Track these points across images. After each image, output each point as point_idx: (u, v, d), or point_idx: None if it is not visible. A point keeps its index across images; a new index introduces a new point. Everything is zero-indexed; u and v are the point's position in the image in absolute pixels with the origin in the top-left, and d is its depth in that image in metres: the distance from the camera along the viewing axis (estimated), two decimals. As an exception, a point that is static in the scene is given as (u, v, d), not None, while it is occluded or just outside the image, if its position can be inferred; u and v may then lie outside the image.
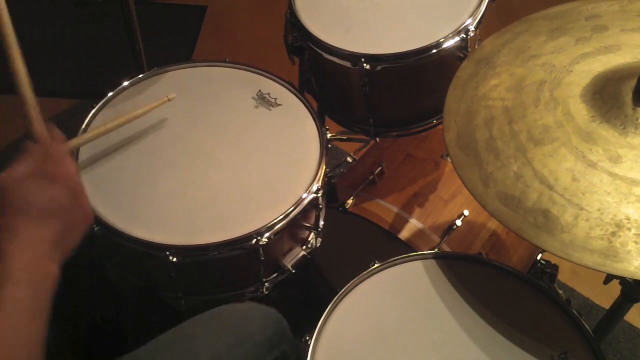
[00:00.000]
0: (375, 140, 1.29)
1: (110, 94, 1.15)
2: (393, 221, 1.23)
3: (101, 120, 1.11)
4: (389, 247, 1.23)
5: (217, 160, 1.05)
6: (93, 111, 1.11)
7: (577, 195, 0.76)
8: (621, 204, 0.74)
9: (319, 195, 1.00)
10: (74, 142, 0.93)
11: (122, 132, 1.07)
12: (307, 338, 0.88)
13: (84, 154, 1.05)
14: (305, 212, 1.01)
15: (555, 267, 1.26)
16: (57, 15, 2.48)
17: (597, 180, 0.76)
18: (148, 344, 0.88)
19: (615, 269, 0.72)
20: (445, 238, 1.21)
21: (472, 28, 1.12)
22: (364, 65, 1.11)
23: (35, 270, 0.66)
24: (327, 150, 1.07)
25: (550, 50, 0.92)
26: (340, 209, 1.25)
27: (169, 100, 1.07)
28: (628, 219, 0.73)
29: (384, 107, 1.23)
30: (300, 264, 1.07)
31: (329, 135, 1.10)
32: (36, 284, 0.65)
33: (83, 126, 1.09)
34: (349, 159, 1.50)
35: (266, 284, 1.05)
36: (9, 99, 2.23)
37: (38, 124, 0.81)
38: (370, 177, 1.31)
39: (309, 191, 1.00)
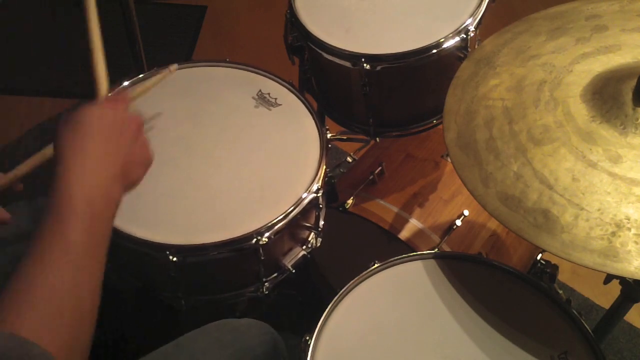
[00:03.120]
0: (375, 140, 1.29)
1: (110, 94, 1.14)
2: (393, 221, 1.23)
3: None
4: (389, 247, 1.23)
5: (217, 160, 1.05)
6: (93, 111, 1.11)
7: (577, 195, 0.76)
8: (621, 204, 0.74)
9: (319, 195, 1.00)
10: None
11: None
12: (307, 338, 0.88)
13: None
14: (305, 212, 1.01)
15: (555, 267, 1.26)
16: (57, 15, 2.48)
17: (597, 180, 0.76)
18: (147, 356, 0.88)
19: (615, 269, 0.72)
20: (445, 238, 1.21)
21: (472, 28, 1.12)
22: (364, 65, 1.11)
23: (98, 201, 0.65)
24: (327, 150, 1.07)
25: (550, 50, 0.92)
26: (340, 209, 1.25)
27: (171, 72, 1.04)
28: (628, 219, 0.73)
29: (384, 107, 1.23)
30: (300, 264, 1.07)
31: (329, 135, 1.11)
32: (100, 216, 0.65)
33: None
34: (349, 159, 1.50)
35: (266, 284, 1.05)
36: (9, 99, 2.24)
37: (104, 86, 0.83)
38: (370, 177, 1.31)
39: (309, 191, 1.00)
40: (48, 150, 0.86)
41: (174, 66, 1.00)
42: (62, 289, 0.60)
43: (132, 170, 0.73)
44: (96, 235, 0.65)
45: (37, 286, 0.59)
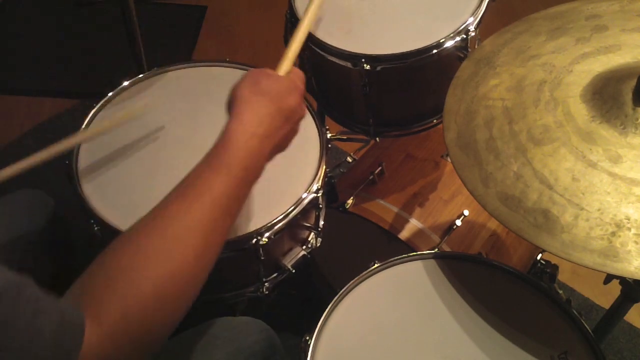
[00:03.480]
0: (375, 140, 1.29)
1: (110, 94, 1.15)
2: (393, 221, 1.23)
3: (102, 120, 1.11)
4: (389, 247, 1.23)
5: (217, 160, 1.04)
6: (93, 111, 1.11)
7: (577, 195, 0.76)
8: (621, 204, 0.74)
9: (319, 195, 1.00)
10: None
11: (121, 132, 1.07)
12: (307, 338, 0.88)
13: (84, 154, 1.05)
14: (305, 212, 1.01)
15: (555, 267, 1.26)
16: (57, 15, 2.48)
17: (597, 180, 0.76)
18: None
19: (615, 269, 0.72)
20: (445, 238, 1.21)
21: (472, 28, 1.12)
22: (364, 65, 1.11)
23: (250, 166, 0.70)
24: (327, 150, 1.07)
25: (550, 50, 0.92)
26: (340, 209, 1.25)
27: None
28: (628, 219, 0.73)
29: (384, 107, 1.23)
30: (300, 264, 1.07)
31: (329, 135, 1.10)
32: (246, 181, 0.70)
33: (83, 126, 1.09)
34: (349, 159, 1.50)
35: (266, 284, 1.05)
36: (9, 99, 2.24)
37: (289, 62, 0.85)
38: (370, 177, 1.31)
39: (309, 191, 1.00)
40: (41, 154, 0.87)
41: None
42: (194, 225, 0.65)
43: (281, 147, 0.78)
44: (236, 197, 0.69)
45: (171, 215, 0.65)
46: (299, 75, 0.82)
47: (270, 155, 0.76)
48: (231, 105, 0.74)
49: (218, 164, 0.68)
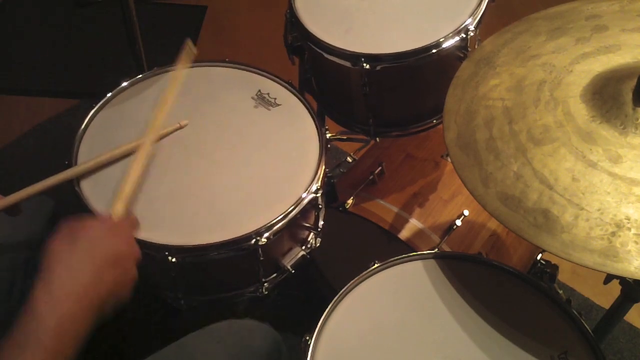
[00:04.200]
0: (375, 140, 1.29)
1: (110, 94, 1.15)
2: (393, 221, 1.23)
3: (102, 120, 1.11)
4: (389, 247, 1.23)
5: (216, 160, 1.04)
6: (93, 111, 1.11)
7: (577, 195, 0.76)
8: (621, 204, 0.74)
9: (318, 195, 1.00)
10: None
11: (121, 132, 1.07)
12: (307, 338, 0.88)
13: (84, 154, 1.05)
14: (304, 212, 1.01)
15: (555, 267, 1.26)
16: (57, 15, 2.48)
17: (597, 180, 0.76)
18: (150, 357, 0.88)
19: (615, 269, 0.72)
20: (445, 238, 1.21)
21: (472, 28, 1.12)
22: (364, 65, 1.11)
23: (64, 335, 0.61)
24: (327, 150, 1.07)
25: (550, 50, 0.92)
26: (340, 209, 1.25)
27: (180, 127, 1.07)
28: (628, 219, 0.73)
29: (384, 107, 1.22)
30: (300, 264, 1.07)
31: (328, 135, 1.11)
32: (63, 347, 0.61)
33: (83, 126, 1.09)
34: (349, 159, 1.50)
35: (266, 284, 1.05)
36: (9, 99, 2.24)
37: (122, 204, 0.81)
38: (370, 177, 1.31)
39: (309, 191, 1.00)
40: (49, 181, 0.89)
41: (185, 122, 1.05)
42: None
43: (110, 301, 0.70)
44: None
45: None
46: (131, 219, 0.79)
47: (98, 308, 0.66)
48: (42, 262, 0.65)
49: (25, 341, 0.59)
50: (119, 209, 0.80)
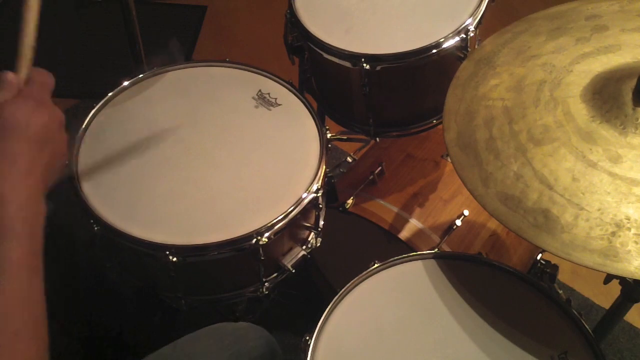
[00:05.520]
0: (375, 140, 1.29)
1: (110, 94, 1.15)
2: (393, 221, 1.23)
3: (102, 120, 1.11)
4: (389, 247, 1.23)
5: (217, 160, 1.05)
6: (93, 111, 1.11)
7: (577, 195, 0.76)
8: (621, 204, 0.74)
9: (319, 195, 1.00)
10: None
11: (121, 132, 1.07)
12: (307, 338, 0.88)
13: (84, 154, 1.05)
14: (305, 212, 1.01)
15: (555, 267, 1.25)
16: (57, 15, 2.48)
17: (597, 180, 0.76)
18: (147, 358, 0.89)
19: (615, 269, 0.72)
20: (445, 238, 1.21)
21: (472, 28, 1.12)
22: (364, 65, 1.11)
23: (31, 214, 0.62)
24: (327, 150, 1.07)
25: (550, 50, 0.92)
26: (340, 209, 1.25)
27: None
28: (628, 219, 0.73)
29: (384, 107, 1.23)
30: (300, 264, 1.07)
31: (329, 135, 1.10)
32: (34, 227, 0.62)
33: (83, 126, 1.09)
34: (349, 159, 1.50)
35: (266, 283, 1.05)
36: (9, 98, 2.22)
37: (26, 66, 0.77)
38: (370, 177, 1.31)
39: (309, 191, 1.00)
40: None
41: None
42: (11, 307, 0.59)
43: (54, 165, 0.69)
44: (35, 251, 0.63)
45: None
46: (40, 78, 0.73)
47: (44, 184, 0.67)
48: None
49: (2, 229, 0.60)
50: (24, 72, 0.76)
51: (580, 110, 0.83)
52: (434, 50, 1.11)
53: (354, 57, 1.12)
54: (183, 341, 0.91)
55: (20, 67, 0.75)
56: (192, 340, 0.92)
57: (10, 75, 0.72)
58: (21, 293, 0.60)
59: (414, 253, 0.99)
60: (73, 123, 1.10)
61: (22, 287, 0.60)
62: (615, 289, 0.93)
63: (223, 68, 1.21)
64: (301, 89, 1.30)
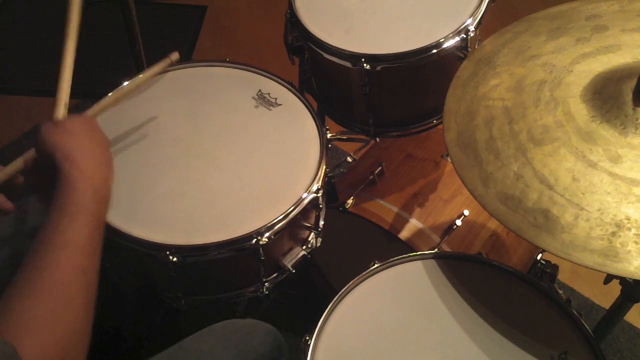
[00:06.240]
0: (375, 140, 1.29)
1: (110, 94, 1.14)
2: (393, 221, 1.23)
3: (102, 120, 1.11)
4: (389, 247, 1.23)
5: (217, 160, 1.05)
6: (93, 111, 1.11)
7: (577, 195, 0.76)
8: (621, 204, 0.74)
9: (319, 195, 1.00)
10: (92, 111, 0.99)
11: (122, 132, 1.07)
12: (307, 338, 0.88)
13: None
14: (305, 212, 1.01)
15: (555, 267, 1.26)
16: (57, 15, 2.48)
17: (597, 180, 0.76)
18: (154, 357, 0.89)
19: (615, 269, 0.72)
20: (445, 238, 1.21)
21: (472, 28, 1.12)
22: (364, 65, 1.11)
23: (100, 198, 0.73)
24: (327, 150, 1.07)
25: (550, 50, 0.92)
26: (340, 209, 1.25)
27: (172, 61, 1.06)
28: (628, 219, 0.73)
29: (384, 107, 1.22)
30: (300, 264, 1.07)
31: (329, 135, 1.11)
32: (102, 213, 0.73)
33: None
34: (349, 159, 1.50)
35: (266, 283, 1.05)
36: (9, 98, 2.24)
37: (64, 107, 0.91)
38: (370, 177, 1.31)
39: (309, 191, 1.00)
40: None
41: (175, 55, 1.04)
42: (66, 280, 0.66)
43: (108, 180, 0.79)
44: (99, 231, 0.72)
45: (45, 276, 0.65)
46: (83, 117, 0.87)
47: (110, 177, 0.79)
48: (54, 157, 0.75)
49: (75, 210, 0.70)
50: (63, 112, 0.90)
51: (581, 110, 0.83)
52: (434, 50, 1.11)
53: (354, 57, 1.12)
54: (189, 340, 0.91)
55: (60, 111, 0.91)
56: (197, 338, 0.92)
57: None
58: (81, 266, 0.67)
59: (414, 253, 0.99)
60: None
61: (84, 260, 0.68)
62: (615, 289, 0.93)
63: (223, 68, 1.21)
64: (301, 89, 1.30)
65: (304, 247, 1.09)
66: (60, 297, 0.64)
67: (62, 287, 0.65)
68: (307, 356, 0.86)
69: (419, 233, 1.22)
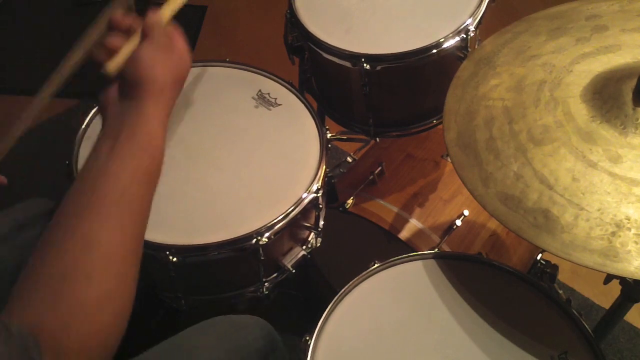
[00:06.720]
0: (375, 140, 1.29)
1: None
2: (393, 221, 1.23)
3: (101, 120, 1.11)
4: (389, 247, 1.23)
5: (217, 160, 1.05)
6: (93, 111, 1.11)
7: (577, 195, 0.76)
8: (621, 204, 0.74)
9: (319, 195, 1.00)
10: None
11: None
12: (307, 338, 0.88)
13: (84, 154, 1.05)
14: (305, 212, 1.01)
15: (555, 267, 1.26)
16: (57, 15, 2.48)
17: (597, 180, 0.76)
18: (148, 352, 0.89)
19: (615, 269, 0.72)
20: (445, 238, 1.21)
21: (472, 28, 1.12)
22: (364, 65, 1.11)
23: (162, 140, 0.74)
24: (327, 150, 1.07)
25: (550, 50, 0.92)
26: (340, 209, 1.25)
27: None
28: (628, 219, 0.73)
29: (384, 107, 1.22)
30: (300, 264, 1.07)
31: (329, 135, 1.11)
32: (162, 155, 0.74)
33: (83, 126, 1.09)
34: (349, 159, 1.50)
35: (266, 283, 1.05)
36: (9, 98, 2.23)
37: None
38: (370, 177, 1.31)
39: (309, 191, 1.00)
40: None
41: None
42: (121, 253, 0.64)
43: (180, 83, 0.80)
44: (155, 173, 0.73)
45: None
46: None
47: (175, 90, 0.78)
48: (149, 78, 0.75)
49: (146, 142, 0.72)
50: (167, 17, 0.87)
51: (581, 110, 0.83)
52: (434, 50, 1.11)
53: (354, 57, 1.12)
54: (182, 336, 0.91)
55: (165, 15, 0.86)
56: (190, 334, 0.92)
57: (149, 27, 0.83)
58: (142, 189, 0.68)
59: (414, 253, 0.99)
60: (73, 123, 1.10)
61: (146, 185, 0.70)
62: (615, 289, 0.93)
63: (223, 68, 1.21)
64: (301, 89, 1.30)
65: (304, 247, 1.09)
66: (117, 274, 0.62)
67: (118, 264, 0.63)
68: (307, 356, 0.86)
69: (419, 233, 1.22)
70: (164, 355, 0.89)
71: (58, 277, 0.59)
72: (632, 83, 0.80)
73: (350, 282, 0.95)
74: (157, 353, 0.89)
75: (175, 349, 0.89)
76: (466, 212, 1.25)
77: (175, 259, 0.93)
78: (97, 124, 1.10)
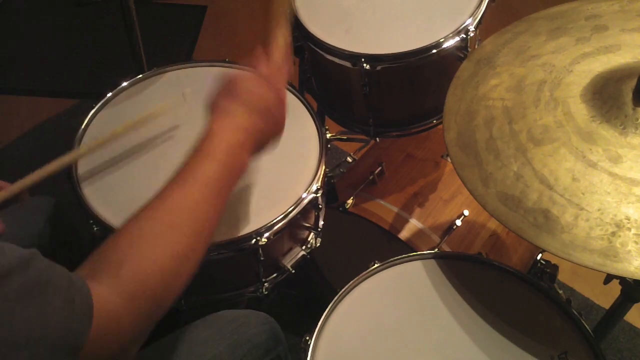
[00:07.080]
0: (375, 140, 1.29)
1: (110, 94, 1.15)
2: (393, 221, 1.23)
3: (102, 120, 1.11)
4: (389, 247, 1.23)
5: (217, 160, 1.04)
6: (93, 111, 1.11)
7: (577, 195, 0.76)
8: (621, 204, 0.74)
9: (318, 195, 1.00)
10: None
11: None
12: (307, 338, 0.88)
13: (85, 154, 1.05)
14: (304, 212, 1.01)
15: (555, 267, 1.25)
16: (57, 15, 2.48)
17: (597, 180, 0.76)
18: (150, 347, 0.88)
19: (615, 269, 0.72)
20: (445, 238, 1.21)
21: (472, 28, 1.12)
22: (364, 65, 1.11)
23: (233, 154, 0.76)
24: (327, 150, 1.07)
25: (550, 50, 0.92)
26: (340, 209, 1.25)
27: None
28: (628, 219, 0.73)
29: (384, 107, 1.22)
30: (300, 264, 1.07)
31: (328, 135, 1.10)
32: (231, 167, 0.76)
33: (83, 126, 1.09)
34: (349, 159, 1.50)
35: (266, 284, 1.05)
36: (9, 98, 2.24)
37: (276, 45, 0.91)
38: (370, 177, 1.31)
39: (309, 191, 1.00)
40: (51, 167, 0.90)
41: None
42: (175, 206, 0.71)
43: (268, 136, 0.84)
44: (227, 181, 0.76)
45: (170, 200, 0.72)
46: (284, 67, 0.89)
47: (256, 145, 0.81)
48: (211, 110, 0.82)
49: (207, 152, 0.76)
50: (277, 56, 0.90)
51: (580, 110, 0.83)
52: (434, 50, 1.11)
53: (354, 57, 1.12)
54: (183, 331, 0.91)
55: (275, 54, 0.89)
56: (191, 329, 0.92)
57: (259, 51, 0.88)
58: (196, 199, 0.72)
59: (414, 253, 0.99)
60: (73, 123, 1.10)
61: (210, 200, 0.73)
62: (615, 289, 0.93)
63: (223, 68, 1.21)
64: (301, 89, 1.30)
65: (304, 247, 1.09)
66: (165, 220, 0.69)
67: (168, 213, 0.70)
68: (307, 356, 0.86)
69: (419, 233, 1.22)
70: (166, 349, 0.89)
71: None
72: (632, 83, 0.80)
73: (350, 282, 0.95)
74: (160, 347, 0.89)
75: (177, 343, 0.89)
76: (466, 212, 1.25)
77: (175, 259, 0.93)
78: (97, 124, 1.10)
